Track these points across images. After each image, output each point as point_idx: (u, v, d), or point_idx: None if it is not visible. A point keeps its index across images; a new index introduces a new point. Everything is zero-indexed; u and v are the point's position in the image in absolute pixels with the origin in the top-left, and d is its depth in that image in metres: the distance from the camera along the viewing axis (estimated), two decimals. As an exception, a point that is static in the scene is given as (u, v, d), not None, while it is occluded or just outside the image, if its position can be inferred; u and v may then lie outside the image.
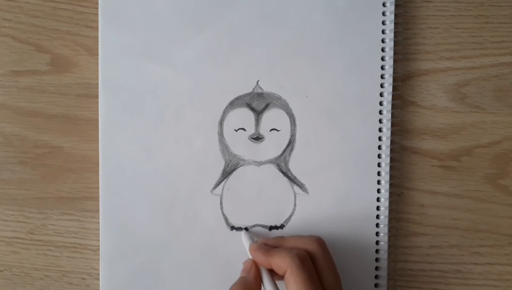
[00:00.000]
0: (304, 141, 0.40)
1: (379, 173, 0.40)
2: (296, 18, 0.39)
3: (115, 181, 0.40)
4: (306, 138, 0.40)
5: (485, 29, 0.40)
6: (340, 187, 0.40)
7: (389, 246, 0.40)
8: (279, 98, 0.40)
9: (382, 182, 0.40)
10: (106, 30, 0.40)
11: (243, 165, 0.40)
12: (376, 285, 0.40)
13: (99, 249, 0.40)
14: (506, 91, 0.41)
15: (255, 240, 0.38)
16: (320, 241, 0.36)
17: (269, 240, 0.37)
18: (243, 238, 0.39)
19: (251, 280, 0.35)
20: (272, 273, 0.36)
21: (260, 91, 0.40)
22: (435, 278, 0.41)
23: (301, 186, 0.40)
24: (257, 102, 0.40)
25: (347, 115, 0.40)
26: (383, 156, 0.40)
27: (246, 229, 0.40)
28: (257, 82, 0.40)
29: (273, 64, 0.40)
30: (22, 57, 0.41)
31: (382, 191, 0.40)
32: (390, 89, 0.39)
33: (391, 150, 0.40)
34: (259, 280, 0.35)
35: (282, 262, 0.34)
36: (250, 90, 0.40)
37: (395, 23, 0.39)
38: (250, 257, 0.37)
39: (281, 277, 0.35)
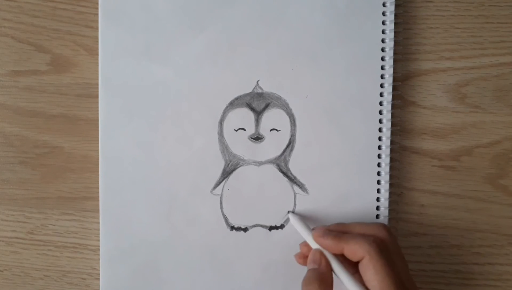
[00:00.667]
0: (304, 141, 0.40)
1: (379, 173, 0.40)
2: (296, 18, 0.39)
3: (115, 181, 0.40)
4: (306, 138, 0.40)
5: (485, 29, 0.40)
6: (340, 187, 0.40)
7: (389, 246, 0.40)
8: (279, 98, 0.40)
9: (382, 182, 0.40)
10: (106, 30, 0.40)
11: (243, 165, 0.40)
12: (376, 285, 0.40)
13: (99, 249, 0.40)
14: (506, 91, 0.41)
15: (308, 226, 0.37)
16: (387, 228, 0.35)
17: (330, 226, 0.36)
18: (295, 223, 0.38)
19: (324, 271, 0.34)
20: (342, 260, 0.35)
21: (260, 91, 0.40)
22: (435, 278, 0.41)
23: (301, 186, 0.40)
24: (257, 102, 0.40)
25: (347, 115, 0.40)
26: (383, 156, 0.40)
27: (293, 213, 0.39)
28: (257, 82, 0.40)
29: (273, 64, 0.40)
30: (22, 57, 0.41)
31: (382, 191, 0.40)
32: (390, 89, 0.39)
33: (391, 150, 0.40)
34: (331, 270, 0.34)
35: (358, 248, 0.33)
36: (250, 90, 0.40)
37: (395, 23, 0.39)
38: (311, 243, 0.36)
39: (352, 265, 0.34)
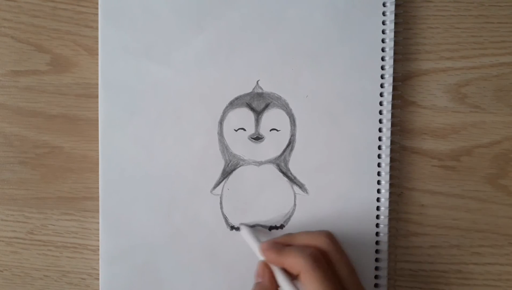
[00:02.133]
0: (304, 141, 0.40)
1: (379, 173, 0.40)
2: (296, 18, 0.39)
3: (115, 181, 0.40)
4: (306, 138, 0.40)
5: (485, 29, 0.40)
6: (340, 187, 0.40)
7: (389, 246, 0.40)
8: (279, 98, 0.40)
9: (382, 182, 0.40)
10: (106, 30, 0.40)
11: (243, 165, 0.40)
12: (376, 285, 0.40)
13: (99, 249, 0.40)
14: (506, 91, 0.41)
15: (259, 238, 0.37)
16: (329, 236, 0.35)
17: (278, 238, 0.36)
18: (246, 236, 0.38)
19: (267, 285, 0.34)
20: (286, 271, 0.35)
21: (260, 91, 0.40)
22: (435, 278, 0.41)
23: (301, 186, 0.40)
24: (257, 102, 0.40)
25: (347, 115, 0.40)
26: (383, 156, 0.40)
27: (245, 225, 0.39)
28: (257, 82, 0.40)
29: (273, 64, 0.40)
30: (22, 57, 0.41)
31: (382, 191, 0.40)
32: (390, 89, 0.39)
33: (391, 150, 0.40)
34: (274, 283, 0.34)
35: (295, 263, 0.33)
36: (250, 90, 0.40)
37: (395, 23, 0.39)
38: (258, 255, 0.36)
39: (295, 277, 0.34)
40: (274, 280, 0.35)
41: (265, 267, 0.35)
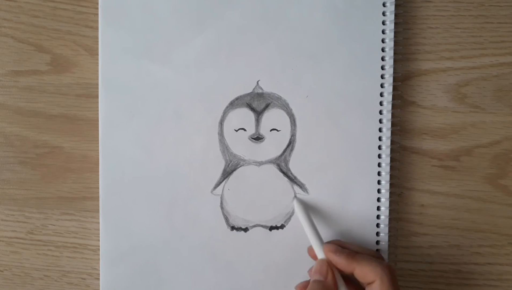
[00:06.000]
0: (304, 141, 0.40)
1: (379, 173, 0.40)
2: (296, 18, 0.39)
3: (115, 181, 0.40)
4: (306, 138, 0.40)
5: (485, 29, 0.40)
6: (340, 187, 0.40)
7: (389, 246, 0.40)
8: (279, 98, 0.40)
9: (382, 182, 0.40)
10: (106, 30, 0.39)
11: (243, 165, 0.40)
12: (376, 285, 0.40)
13: (99, 249, 0.40)
14: (506, 91, 0.41)
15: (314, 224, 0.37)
16: (391, 269, 0.33)
17: (335, 241, 0.36)
18: (301, 215, 0.37)
19: (330, 285, 0.33)
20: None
21: (260, 91, 0.40)
22: (436, 278, 0.41)
23: (301, 186, 0.40)
24: (257, 102, 0.40)
25: (347, 115, 0.40)
26: (383, 156, 0.40)
27: (299, 203, 0.38)
28: (257, 82, 0.40)
29: (273, 64, 0.40)
30: (22, 57, 0.41)
31: (382, 191, 0.40)
32: (390, 89, 0.39)
33: (391, 150, 0.40)
34: (336, 284, 0.33)
35: (371, 271, 0.32)
36: (250, 90, 0.40)
37: (395, 23, 0.39)
38: (312, 242, 0.35)
39: (356, 286, 0.33)
40: (336, 282, 0.34)
41: (329, 267, 0.34)
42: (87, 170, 0.42)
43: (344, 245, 0.36)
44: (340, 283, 0.34)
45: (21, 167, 0.42)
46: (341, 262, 0.34)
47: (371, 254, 0.36)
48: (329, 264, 0.34)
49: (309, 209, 0.39)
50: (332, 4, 0.39)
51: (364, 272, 0.33)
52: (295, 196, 0.39)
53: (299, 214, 0.38)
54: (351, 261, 0.33)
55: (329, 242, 0.36)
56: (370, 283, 0.32)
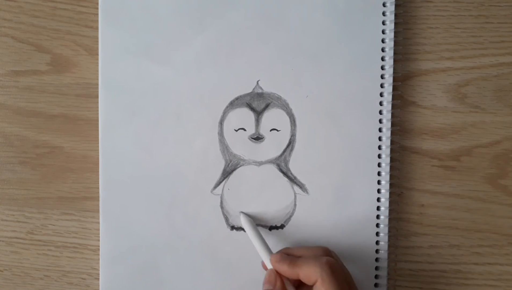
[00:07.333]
0: (304, 141, 0.40)
1: (379, 173, 0.40)
2: (296, 18, 0.39)
3: (115, 181, 0.40)
4: (306, 138, 0.40)
5: (485, 29, 0.40)
6: (340, 187, 0.40)
7: (389, 246, 0.40)
8: (279, 98, 0.40)
9: (382, 182, 0.40)
10: (106, 30, 0.40)
11: (243, 165, 0.40)
12: (376, 285, 0.40)
13: (99, 249, 0.40)
14: (506, 91, 0.41)
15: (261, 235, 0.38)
16: (328, 252, 0.36)
17: (282, 250, 0.37)
18: (248, 229, 0.38)
19: None
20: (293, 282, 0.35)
21: (260, 91, 0.40)
22: (435, 278, 0.41)
23: (301, 186, 0.40)
24: (257, 102, 0.40)
25: (347, 115, 0.40)
26: (383, 156, 0.40)
27: (246, 218, 0.39)
28: (257, 82, 0.40)
29: (273, 64, 0.40)
30: (22, 57, 0.41)
31: (382, 191, 0.40)
32: (390, 89, 0.39)
33: (391, 150, 0.40)
34: None
35: (312, 272, 0.33)
36: (250, 90, 0.40)
37: (395, 23, 0.39)
38: (261, 255, 0.36)
39: (307, 287, 0.34)
40: (284, 287, 0.35)
41: (278, 276, 0.35)
42: (87, 170, 0.42)
43: (290, 252, 0.36)
44: (289, 288, 0.35)
45: (21, 167, 0.42)
46: (284, 270, 0.35)
47: (318, 253, 0.36)
48: (278, 273, 0.36)
49: (255, 222, 0.39)
50: (332, 4, 0.39)
51: (306, 275, 0.34)
52: (241, 212, 0.40)
53: (246, 228, 0.39)
54: (293, 267, 0.34)
55: (278, 252, 0.37)
56: (314, 284, 0.33)
